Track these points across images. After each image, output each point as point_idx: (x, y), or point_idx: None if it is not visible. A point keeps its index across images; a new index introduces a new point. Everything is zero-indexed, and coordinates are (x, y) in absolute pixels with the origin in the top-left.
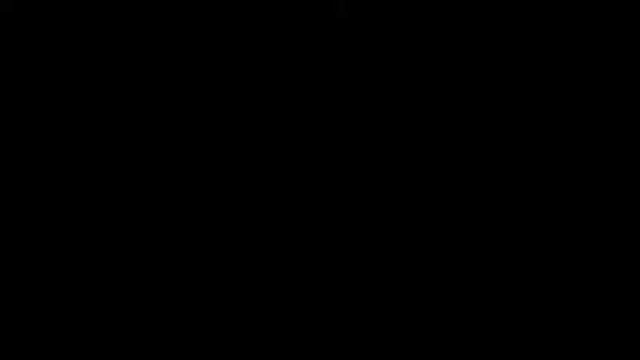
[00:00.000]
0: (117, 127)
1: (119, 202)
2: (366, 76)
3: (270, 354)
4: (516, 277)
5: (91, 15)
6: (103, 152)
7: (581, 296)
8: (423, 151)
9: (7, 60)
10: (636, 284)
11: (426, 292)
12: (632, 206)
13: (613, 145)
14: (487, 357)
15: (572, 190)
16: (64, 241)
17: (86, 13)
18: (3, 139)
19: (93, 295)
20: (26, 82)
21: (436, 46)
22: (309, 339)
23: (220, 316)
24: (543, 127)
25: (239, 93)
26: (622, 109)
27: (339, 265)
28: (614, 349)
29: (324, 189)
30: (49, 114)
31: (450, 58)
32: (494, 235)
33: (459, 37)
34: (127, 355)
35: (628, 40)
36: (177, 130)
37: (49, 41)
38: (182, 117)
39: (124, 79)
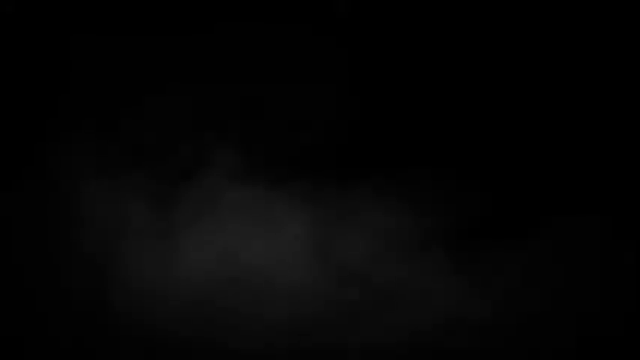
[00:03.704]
0: (117, 127)
1: (120, 201)
2: (365, 76)
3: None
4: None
5: (90, 15)
6: (102, 151)
7: (581, 296)
8: (422, 151)
9: (7, 60)
10: (636, 284)
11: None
12: (631, 205)
13: (613, 145)
14: (487, 357)
15: (572, 189)
16: (63, 241)
17: (86, 13)
18: (3, 138)
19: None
20: (26, 82)
21: (435, 46)
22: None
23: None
24: (543, 126)
25: (239, 92)
26: (622, 109)
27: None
28: (615, 348)
29: (324, 188)
30: (49, 113)
31: (450, 57)
32: (494, 235)
33: (458, 37)
34: (126, 356)
35: (628, 40)
36: (178, 130)
37: (49, 41)
38: (182, 116)
39: (123, 78)
